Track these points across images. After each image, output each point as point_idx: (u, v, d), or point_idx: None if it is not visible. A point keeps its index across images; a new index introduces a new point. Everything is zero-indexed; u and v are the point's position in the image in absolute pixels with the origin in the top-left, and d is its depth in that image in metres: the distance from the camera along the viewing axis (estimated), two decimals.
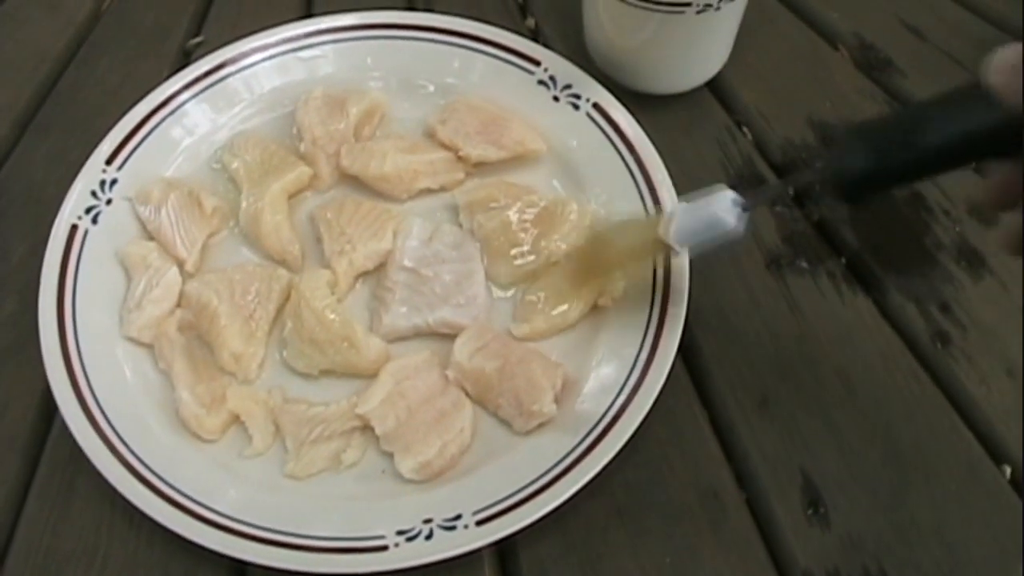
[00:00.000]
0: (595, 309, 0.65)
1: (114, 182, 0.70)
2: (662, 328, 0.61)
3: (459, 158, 0.72)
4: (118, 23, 0.93)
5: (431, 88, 0.78)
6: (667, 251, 0.59)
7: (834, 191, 0.47)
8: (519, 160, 0.72)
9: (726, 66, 0.81)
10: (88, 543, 0.56)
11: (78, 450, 0.57)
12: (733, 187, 0.54)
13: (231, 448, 0.61)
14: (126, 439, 0.58)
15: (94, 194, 0.69)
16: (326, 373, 0.63)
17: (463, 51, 0.78)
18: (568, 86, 0.75)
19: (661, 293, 0.62)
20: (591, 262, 0.63)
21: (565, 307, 0.64)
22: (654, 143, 0.69)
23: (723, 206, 0.54)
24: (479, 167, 0.72)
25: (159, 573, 0.55)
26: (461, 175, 0.72)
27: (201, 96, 0.75)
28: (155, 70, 0.85)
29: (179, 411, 0.60)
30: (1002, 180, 0.42)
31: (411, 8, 0.88)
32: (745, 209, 0.54)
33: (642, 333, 0.61)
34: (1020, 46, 0.38)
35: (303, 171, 0.71)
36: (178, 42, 0.90)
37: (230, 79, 0.77)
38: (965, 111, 0.41)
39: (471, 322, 0.63)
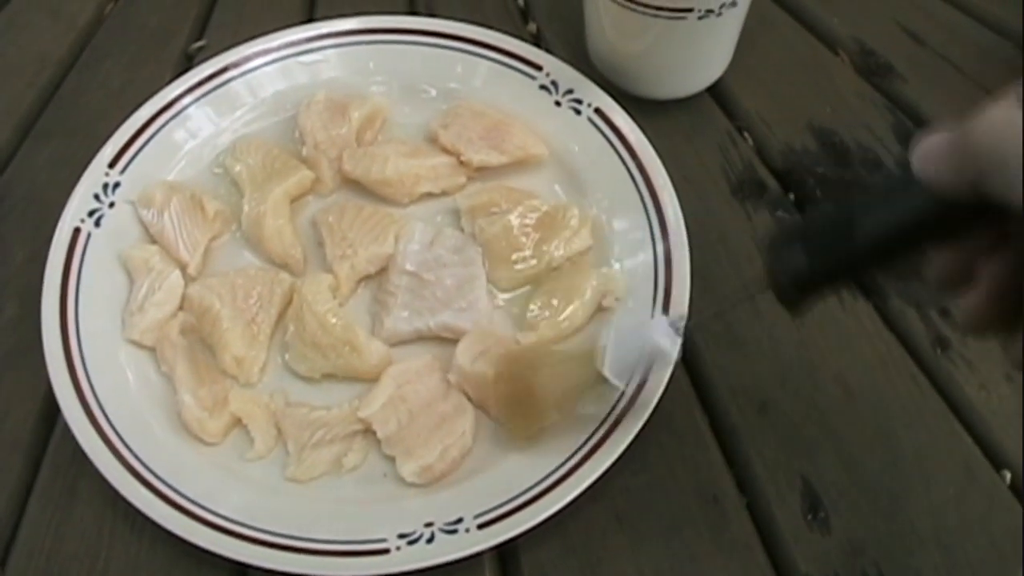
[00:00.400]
0: (598, 312, 0.65)
1: (117, 185, 0.70)
2: None
3: (461, 163, 0.73)
4: (120, 27, 0.93)
5: (433, 93, 0.78)
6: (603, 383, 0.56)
7: (780, 300, 0.46)
8: (520, 165, 0.73)
9: (727, 72, 0.81)
10: (90, 546, 0.56)
11: (80, 453, 0.57)
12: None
13: (233, 451, 0.61)
14: (128, 442, 0.58)
15: (97, 197, 0.69)
16: (328, 377, 0.63)
17: (465, 56, 0.78)
18: (570, 91, 0.75)
19: (662, 298, 0.63)
20: (523, 394, 0.59)
21: (571, 309, 0.64)
22: (655, 148, 0.70)
23: (659, 333, 0.53)
24: (481, 172, 0.73)
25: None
26: (463, 179, 0.73)
27: (204, 100, 0.76)
28: (157, 74, 0.85)
29: (181, 414, 0.60)
30: (944, 262, 0.42)
31: (413, 13, 0.88)
32: (679, 334, 0.54)
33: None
34: (944, 134, 0.37)
35: (305, 175, 0.71)
36: (180, 46, 0.90)
37: (233, 83, 0.77)
38: (901, 199, 0.39)
39: (472, 326, 0.64)
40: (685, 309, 0.61)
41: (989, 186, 0.34)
